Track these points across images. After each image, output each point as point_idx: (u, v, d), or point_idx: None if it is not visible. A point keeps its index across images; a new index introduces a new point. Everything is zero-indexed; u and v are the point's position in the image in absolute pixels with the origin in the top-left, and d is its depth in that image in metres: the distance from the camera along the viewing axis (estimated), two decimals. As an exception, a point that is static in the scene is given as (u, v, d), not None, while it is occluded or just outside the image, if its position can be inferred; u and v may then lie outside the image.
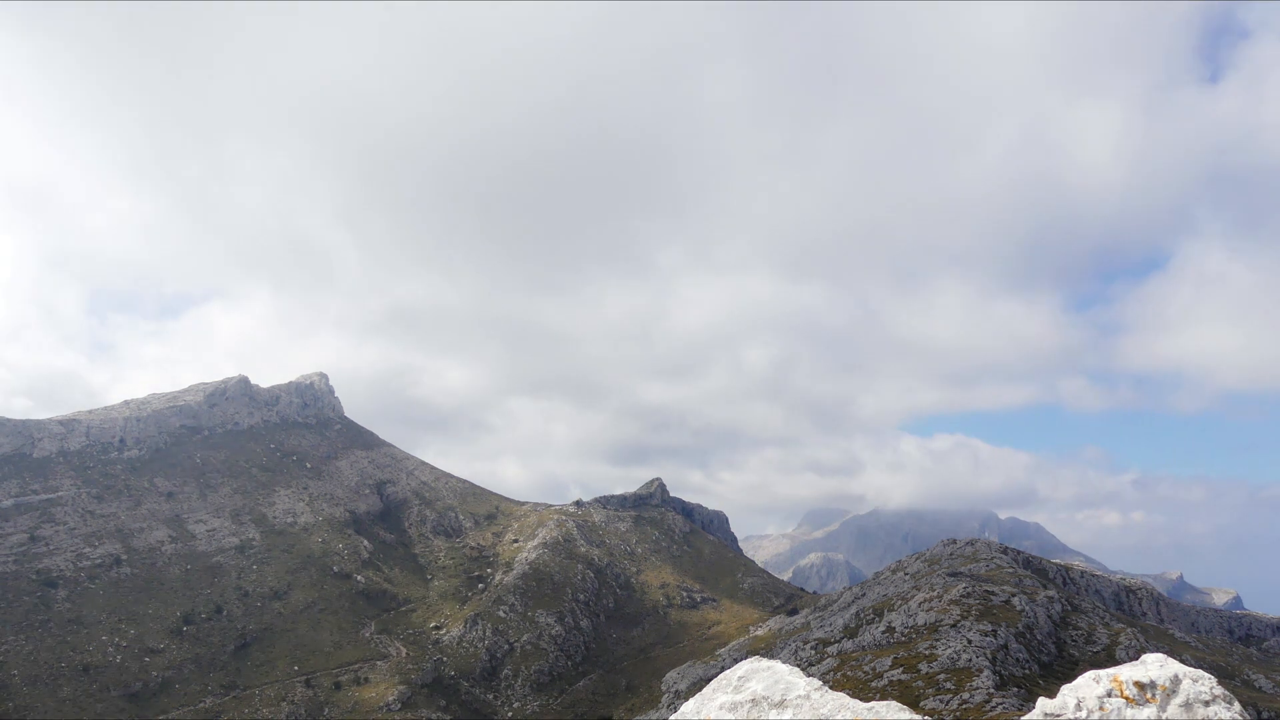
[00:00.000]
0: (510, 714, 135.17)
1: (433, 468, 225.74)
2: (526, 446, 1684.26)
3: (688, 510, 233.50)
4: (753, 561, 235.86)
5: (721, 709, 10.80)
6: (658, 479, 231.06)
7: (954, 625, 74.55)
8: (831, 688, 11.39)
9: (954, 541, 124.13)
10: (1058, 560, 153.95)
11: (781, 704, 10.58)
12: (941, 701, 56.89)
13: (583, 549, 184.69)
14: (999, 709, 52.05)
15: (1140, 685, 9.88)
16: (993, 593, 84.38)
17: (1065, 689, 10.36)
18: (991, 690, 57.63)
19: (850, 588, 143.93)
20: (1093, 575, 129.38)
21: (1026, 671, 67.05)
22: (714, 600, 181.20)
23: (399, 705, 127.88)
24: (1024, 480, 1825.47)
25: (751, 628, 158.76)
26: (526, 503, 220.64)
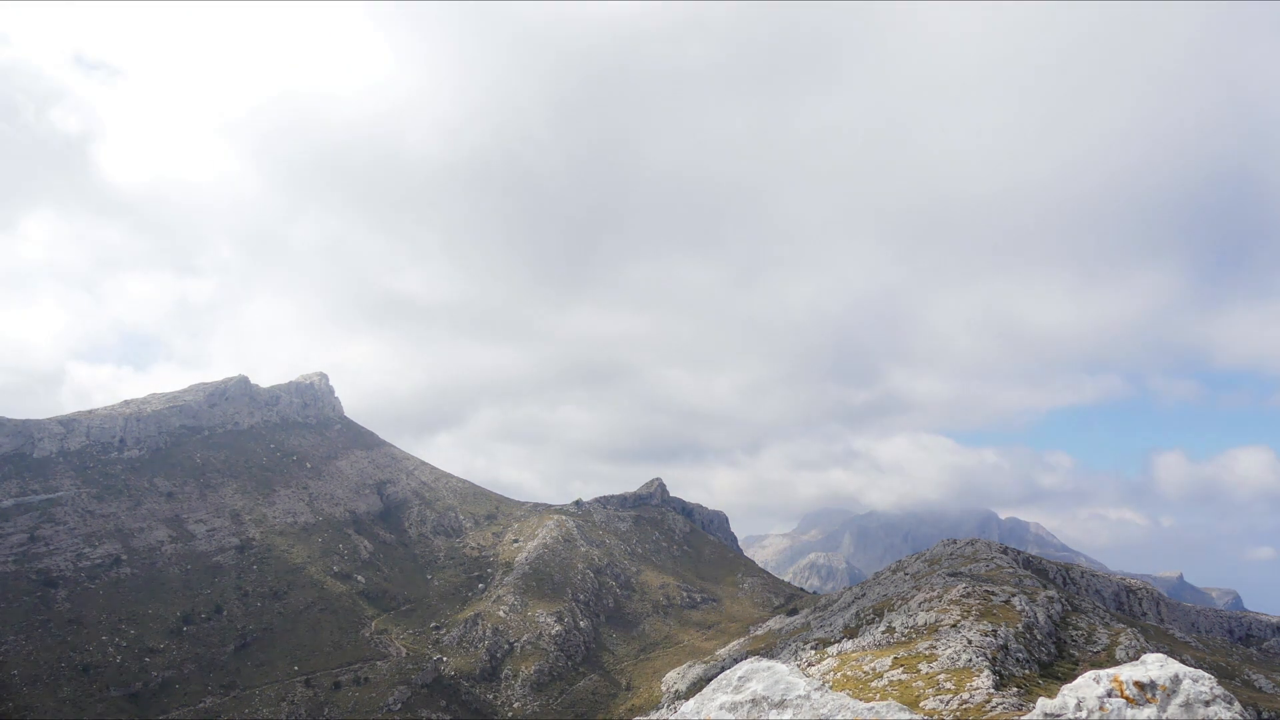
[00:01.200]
0: (510, 714, 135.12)
1: (433, 468, 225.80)
2: (529, 445, 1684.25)
3: (688, 510, 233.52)
4: (753, 562, 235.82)
5: (721, 709, 10.81)
6: (658, 479, 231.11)
7: (954, 625, 74.56)
8: (831, 688, 11.40)
9: (954, 541, 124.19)
10: (1058, 560, 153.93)
11: (781, 704, 10.58)
12: (941, 701, 56.85)
13: (582, 549, 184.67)
14: (999, 709, 52.02)
15: (1140, 685, 9.88)
16: (993, 593, 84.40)
17: (1065, 689, 10.37)
18: (991, 690, 57.60)
19: (850, 588, 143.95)
20: (1093, 575, 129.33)
21: (1026, 671, 67.01)
22: (714, 600, 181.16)
23: (399, 705, 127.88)
24: (1039, 481, 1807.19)
25: (751, 628, 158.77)
26: (526, 503, 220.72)
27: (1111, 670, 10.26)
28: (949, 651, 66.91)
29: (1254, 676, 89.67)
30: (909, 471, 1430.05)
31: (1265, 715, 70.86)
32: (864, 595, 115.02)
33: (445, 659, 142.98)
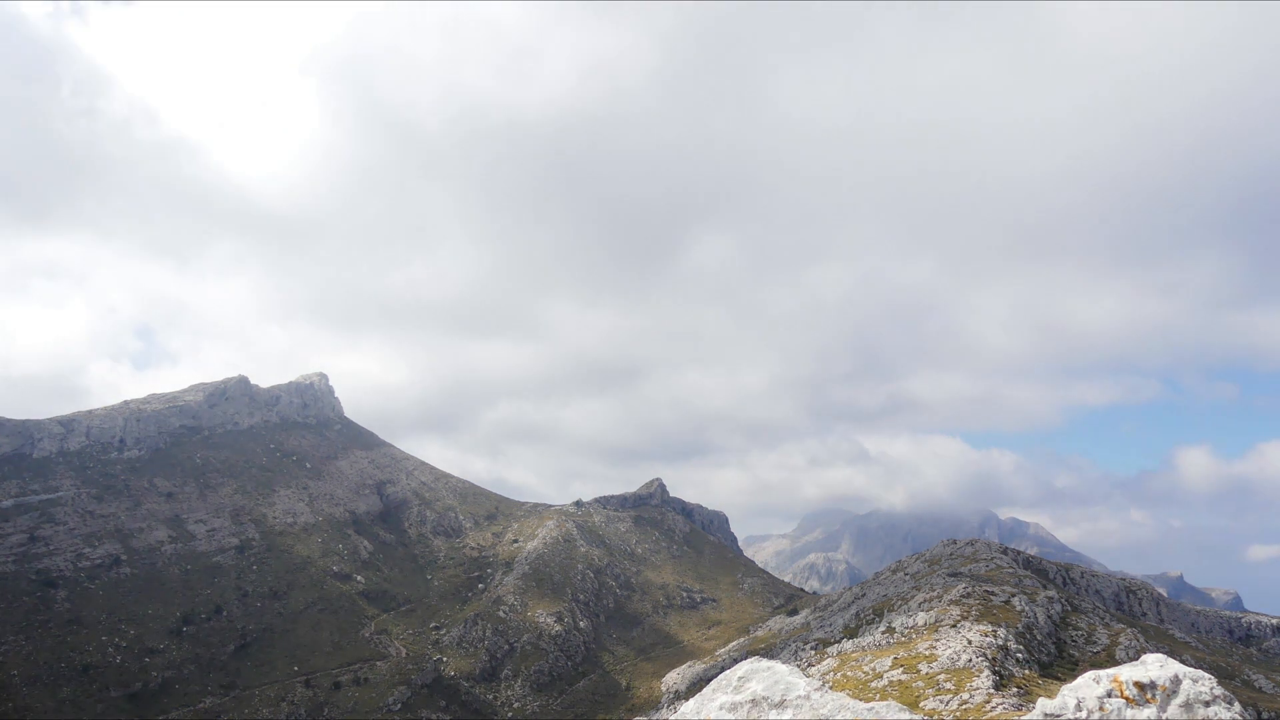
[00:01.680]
0: (510, 714, 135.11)
1: (432, 468, 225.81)
2: (533, 445, 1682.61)
3: (688, 511, 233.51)
4: (753, 562, 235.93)
5: (721, 709, 10.81)
6: (658, 479, 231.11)
7: (954, 625, 74.55)
8: (831, 688, 11.39)
9: (954, 542, 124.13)
10: (1057, 560, 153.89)
11: (781, 704, 10.59)
12: (941, 702, 56.85)
13: (583, 549, 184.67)
14: (999, 709, 52.00)
15: (1140, 685, 9.89)
16: (993, 593, 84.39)
17: (1065, 689, 10.37)
18: (991, 690, 57.58)
19: (850, 588, 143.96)
20: (1093, 575, 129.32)
21: (1026, 672, 66.98)
22: (714, 600, 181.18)
23: (399, 705, 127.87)
24: (1054, 483, 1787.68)
25: (751, 628, 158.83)
26: (526, 503, 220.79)
27: (1111, 670, 10.26)
28: (949, 652, 66.90)
29: (1254, 677, 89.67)
30: (922, 472, 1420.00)
31: (1265, 715, 70.84)
32: (864, 595, 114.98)
33: (445, 659, 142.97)
